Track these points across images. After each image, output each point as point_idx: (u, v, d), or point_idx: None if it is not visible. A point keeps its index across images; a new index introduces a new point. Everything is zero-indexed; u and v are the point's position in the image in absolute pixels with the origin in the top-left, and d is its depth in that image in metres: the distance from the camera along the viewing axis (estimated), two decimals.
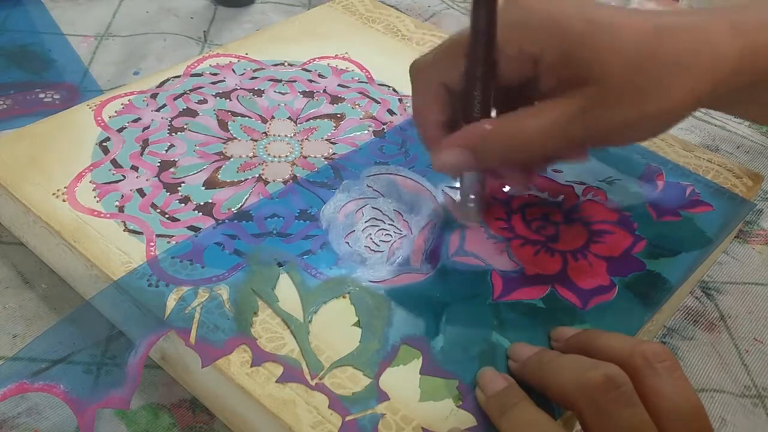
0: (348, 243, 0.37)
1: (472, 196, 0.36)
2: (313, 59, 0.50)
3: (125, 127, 0.43)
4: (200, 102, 0.45)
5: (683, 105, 0.30)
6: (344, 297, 0.34)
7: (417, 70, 0.35)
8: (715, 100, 0.31)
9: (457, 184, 0.41)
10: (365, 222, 0.38)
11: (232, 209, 0.38)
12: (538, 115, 0.31)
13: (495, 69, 0.32)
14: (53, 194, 0.38)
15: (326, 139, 0.44)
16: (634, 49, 0.29)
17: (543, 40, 0.30)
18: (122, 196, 0.38)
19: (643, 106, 0.30)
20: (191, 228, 0.37)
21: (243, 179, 0.40)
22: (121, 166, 0.40)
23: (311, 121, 0.45)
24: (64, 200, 0.37)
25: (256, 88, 0.47)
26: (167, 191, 0.39)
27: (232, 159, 0.41)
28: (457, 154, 0.33)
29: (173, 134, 0.43)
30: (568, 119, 0.30)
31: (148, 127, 0.43)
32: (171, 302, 0.33)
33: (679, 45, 0.29)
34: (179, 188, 0.39)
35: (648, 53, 0.29)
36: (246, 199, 0.39)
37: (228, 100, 0.46)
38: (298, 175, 0.41)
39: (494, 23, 0.31)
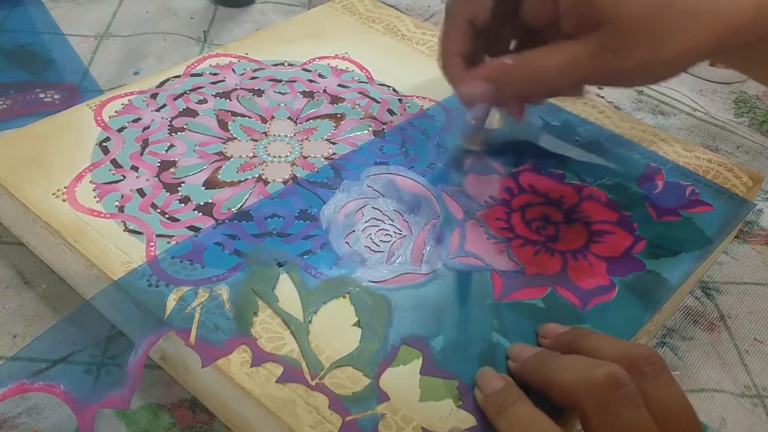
0: (348, 243, 0.37)
1: (474, 122, 0.40)
2: (313, 59, 0.50)
3: (125, 127, 0.43)
4: (200, 102, 0.45)
5: (696, 51, 0.32)
6: (344, 297, 0.34)
7: (450, 4, 0.38)
8: (726, 52, 0.33)
9: (456, 184, 0.41)
10: (365, 222, 0.38)
11: (232, 209, 0.38)
12: (556, 53, 0.34)
13: (519, 8, 0.35)
14: (53, 194, 0.38)
15: (326, 139, 0.44)
16: None
17: None
18: (122, 196, 0.38)
19: (656, 52, 0.31)
20: (191, 228, 0.37)
21: (243, 179, 0.40)
22: (121, 166, 0.40)
23: (311, 121, 0.45)
24: (64, 200, 0.37)
25: (256, 88, 0.47)
26: (167, 191, 0.39)
27: (232, 159, 0.41)
28: (481, 86, 0.36)
29: (173, 134, 0.43)
30: (584, 58, 0.33)
31: (148, 127, 0.43)
32: (171, 302, 0.33)
33: None
34: (179, 188, 0.39)
35: (662, 2, 0.31)
36: (246, 199, 0.39)
37: (228, 100, 0.46)
38: (298, 175, 0.41)
39: None
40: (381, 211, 0.39)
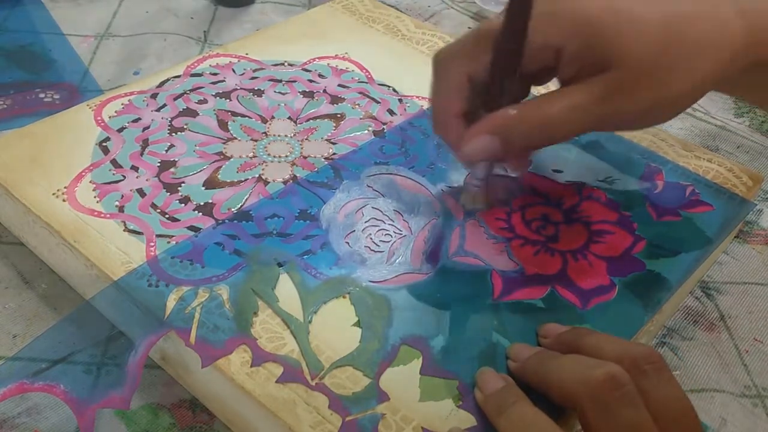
0: (348, 243, 0.37)
1: (478, 181, 0.37)
2: (313, 59, 0.50)
3: (125, 127, 0.43)
4: (200, 102, 0.45)
5: (702, 86, 0.32)
6: (344, 297, 0.34)
7: (440, 61, 0.35)
8: (727, 82, 0.33)
9: (456, 183, 0.41)
10: (365, 222, 0.38)
11: (232, 209, 0.38)
12: (562, 99, 0.32)
13: (521, 59, 0.33)
14: (53, 194, 0.38)
15: (326, 139, 0.44)
16: (655, 33, 0.31)
17: (568, 30, 0.32)
18: (122, 196, 0.38)
19: (664, 89, 0.31)
20: (191, 228, 0.37)
21: (243, 179, 0.40)
22: (121, 166, 0.40)
23: (311, 121, 0.45)
24: (64, 200, 0.37)
25: (256, 88, 0.47)
26: (167, 191, 0.39)
27: (232, 159, 0.41)
28: (486, 141, 0.34)
29: (173, 134, 0.43)
30: (593, 102, 0.32)
31: (148, 127, 0.43)
32: (171, 302, 0.33)
33: (698, 28, 0.31)
34: (179, 188, 0.39)
35: (669, 37, 0.31)
36: (246, 199, 0.39)
37: (228, 100, 0.46)
38: (298, 175, 0.41)
39: (529, 16, 0.32)
40: (381, 211, 0.39)
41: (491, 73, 0.34)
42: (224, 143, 0.42)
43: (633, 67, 0.31)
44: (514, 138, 0.34)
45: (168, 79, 0.47)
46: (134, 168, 0.40)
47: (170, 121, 0.44)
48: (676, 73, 0.31)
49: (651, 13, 0.31)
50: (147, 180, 0.39)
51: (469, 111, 0.35)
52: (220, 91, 0.46)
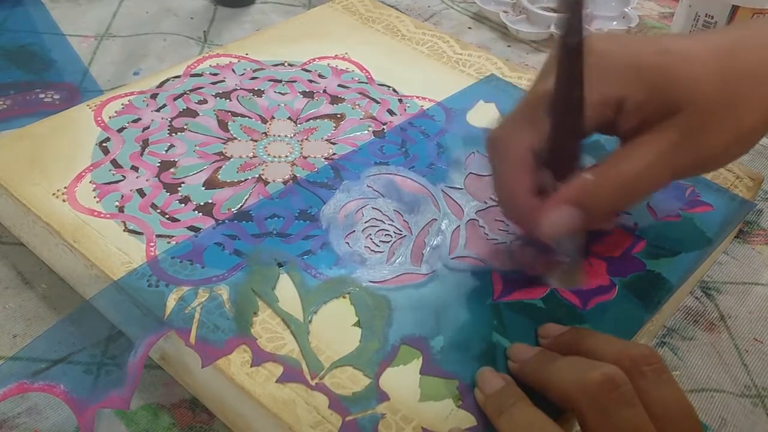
0: (348, 243, 0.37)
1: (569, 256, 0.34)
2: (313, 59, 0.50)
3: (125, 128, 0.43)
4: (200, 102, 0.45)
5: None
6: (344, 297, 0.34)
7: (497, 140, 0.33)
8: None
9: (457, 184, 0.41)
10: (365, 222, 0.38)
11: (232, 209, 0.38)
12: (639, 154, 0.30)
13: (583, 119, 0.31)
14: (53, 194, 0.38)
15: (326, 140, 0.44)
16: (713, 68, 0.30)
17: (625, 82, 0.30)
18: (122, 196, 0.38)
19: (739, 122, 0.30)
20: (191, 228, 0.37)
21: (243, 179, 0.40)
22: (121, 167, 0.40)
23: (311, 121, 0.45)
24: (64, 200, 0.37)
25: (256, 89, 0.47)
26: (167, 191, 0.39)
27: (232, 159, 0.41)
28: (567, 213, 0.31)
29: (173, 134, 0.43)
30: (671, 151, 0.30)
31: (148, 128, 0.43)
32: (171, 302, 0.33)
33: (750, 56, 0.30)
34: (179, 188, 0.39)
35: (726, 70, 0.30)
36: (246, 200, 0.39)
37: (228, 101, 0.46)
38: (298, 175, 0.41)
39: (583, 75, 0.29)
40: (381, 211, 0.39)
41: (554, 140, 0.31)
42: (224, 143, 0.42)
43: (702, 107, 0.30)
44: (597, 205, 0.31)
45: (168, 80, 0.47)
46: (134, 168, 0.40)
47: (170, 122, 0.44)
48: (746, 104, 0.30)
49: (703, 48, 0.30)
50: (147, 180, 0.39)
51: (539, 185, 0.32)
52: (220, 92, 0.46)
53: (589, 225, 0.32)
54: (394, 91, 0.48)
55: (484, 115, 0.46)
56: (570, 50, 0.29)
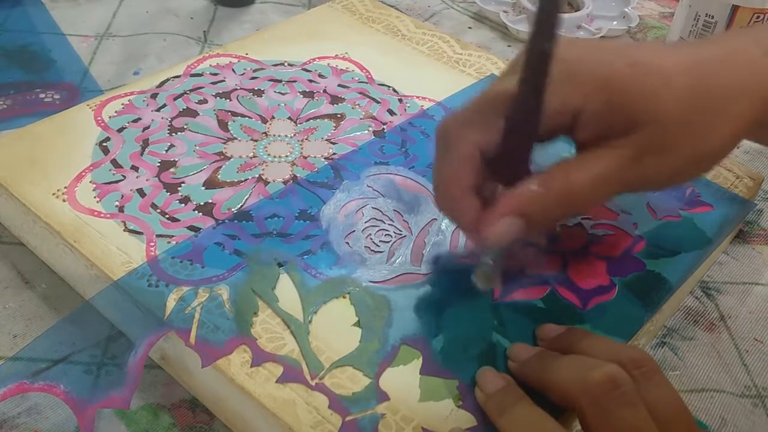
0: (348, 243, 0.37)
1: (492, 261, 0.33)
2: (313, 59, 0.50)
3: (125, 127, 0.43)
4: (200, 102, 0.45)
5: (737, 134, 0.30)
6: (344, 297, 0.34)
7: (447, 131, 0.32)
8: (761, 127, 0.31)
9: None
10: (365, 222, 0.38)
11: (232, 209, 0.38)
12: (590, 167, 0.29)
13: (539, 126, 0.29)
14: (53, 194, 0.38)
15: (326, 139, 0.44)
16: (683, 85, 0.28)
17: (589, 91, 0.29)
18: (122, 196, 0.38)
19: (700, 144, 0.29)
20: (191, 228, 0.37)
21: (243, 179, 0.40)
22: (121, 166, 0.40)
23: (311, 121, 0.45)
24: (64, 200, 0.37)
25: (256, 88, 0.47)
26: (167, 191, 0.39)
27: (232, 159, 0.41)
28: (511, 224, 0.30)
29: (173, 134, 0.43)
30: (624, 167, 0.29)
31: (148, 127, 0.43)
32: (171, 302, 0.33)
33: (726, 73, 0.29)
34: (179, 188, 0.39)
35: (698, 88, 0.28)
36: (246, 199, 0.39)
37: (228, 100, 0.46)
38: (298, 175, 0.41)
39: (547, 80, 0.28)
40: (381, 211, 0.39)
41: (506, 142, 0.30)
42: (224, 143, 0.42)
43: (664, 125, 0.28)
44: (541, 217, 0.30)
45: (168, 79, 0.47)
46: (134, 168, 0.40)
47: (170, 121, 0.44)
48: (713, 124, 0.29)
49: (674, 64, 0.29)
50: (147, 180, 0.39)
51: (481, 185, 0.31)
52: (220, 91, 0.46)
53: (529, 234, 0.31)
54: (394, 90, 0.48)
55: None
56: (539, 55, 0.28)
